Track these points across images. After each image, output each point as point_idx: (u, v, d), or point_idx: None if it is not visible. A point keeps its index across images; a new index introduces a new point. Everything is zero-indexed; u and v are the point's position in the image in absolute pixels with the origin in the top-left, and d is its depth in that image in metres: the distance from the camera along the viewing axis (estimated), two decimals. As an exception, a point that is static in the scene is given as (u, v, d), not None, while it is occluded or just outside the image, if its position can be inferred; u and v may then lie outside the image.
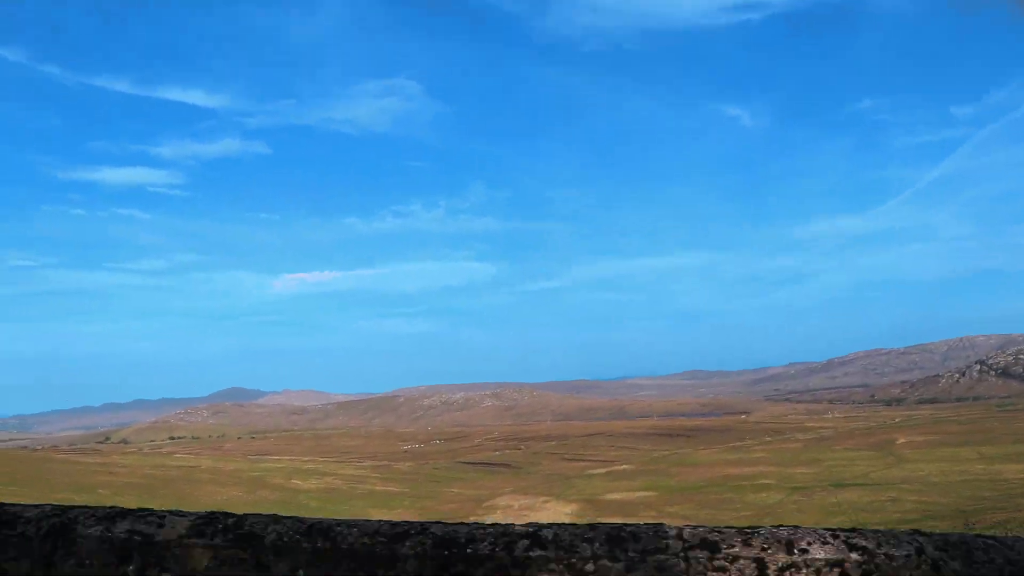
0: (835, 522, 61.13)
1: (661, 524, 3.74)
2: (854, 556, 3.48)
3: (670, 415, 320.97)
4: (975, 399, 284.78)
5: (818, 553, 3.50)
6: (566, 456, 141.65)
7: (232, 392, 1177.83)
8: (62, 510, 3.91)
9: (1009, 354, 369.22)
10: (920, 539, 3.65)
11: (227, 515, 3.86)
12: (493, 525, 3.79)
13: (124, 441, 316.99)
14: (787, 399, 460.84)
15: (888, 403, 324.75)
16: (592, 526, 3.73)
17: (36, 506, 3.95)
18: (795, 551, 3.51)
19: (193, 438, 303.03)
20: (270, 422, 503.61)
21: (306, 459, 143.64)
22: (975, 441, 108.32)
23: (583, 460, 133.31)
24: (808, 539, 3.57)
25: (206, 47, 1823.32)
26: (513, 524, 3.77)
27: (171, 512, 3.89)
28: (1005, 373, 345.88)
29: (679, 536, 3.61)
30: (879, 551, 3.52)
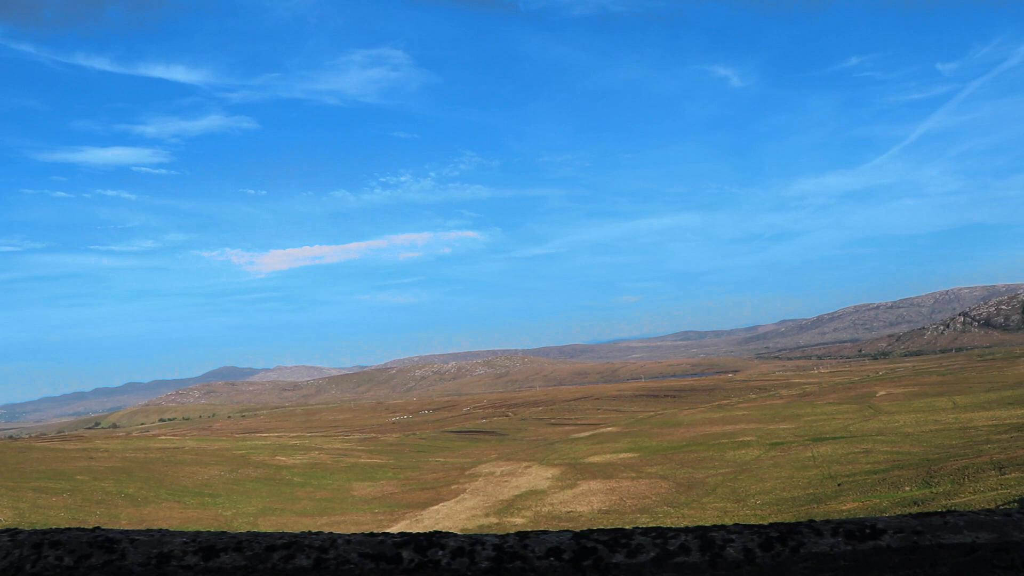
0: (809, 475, 61.80)
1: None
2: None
3: (661, 376, 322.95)
4: (958, 350, 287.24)
5: None
6: (552, 421, 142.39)
7: (225, 371, 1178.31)
8: None
9: (991, 305, 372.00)
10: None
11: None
12: (317, 533, 3.45)
13: (114, 425, 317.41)
14: (777, 357, 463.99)
15: (875, 357, 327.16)
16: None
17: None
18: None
19: (184, 419, 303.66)
20: (262, 399, 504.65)
21: (293, 435, 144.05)
22: (951, 392, 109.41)
23: (568, 424, 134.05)
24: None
25: (185, 21, 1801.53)
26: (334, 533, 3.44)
27: None
28: (987, 324, 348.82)
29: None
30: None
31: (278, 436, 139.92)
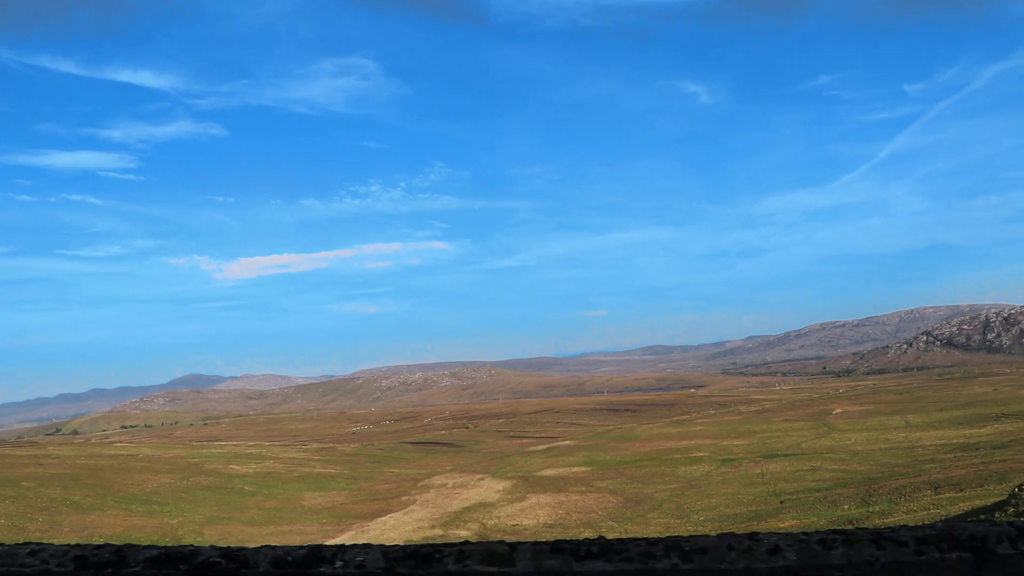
0: (755, 492, 62.23)
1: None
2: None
3: (626, 390, 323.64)
4: (919, 369, 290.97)
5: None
6: (511, 434, 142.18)
7: (191, 379, 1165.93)
8: None
9: (953, 325, 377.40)
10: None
11: None
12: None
13: (75, 432, 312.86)
14: (742, 372, 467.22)
15: (839, 374, 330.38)
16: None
17: None
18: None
19: (146, 426, 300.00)
20: (227, 407, 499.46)
21: (251, 443, 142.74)
22: (906, 410, 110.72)
23: (526, 437, 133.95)
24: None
25: (153, 25, 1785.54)
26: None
27: None
28: (949, 343, 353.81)
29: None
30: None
31: (235, 444, 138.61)
